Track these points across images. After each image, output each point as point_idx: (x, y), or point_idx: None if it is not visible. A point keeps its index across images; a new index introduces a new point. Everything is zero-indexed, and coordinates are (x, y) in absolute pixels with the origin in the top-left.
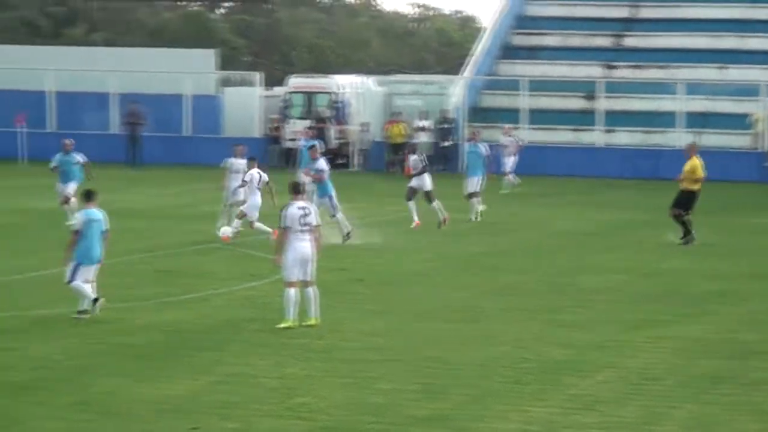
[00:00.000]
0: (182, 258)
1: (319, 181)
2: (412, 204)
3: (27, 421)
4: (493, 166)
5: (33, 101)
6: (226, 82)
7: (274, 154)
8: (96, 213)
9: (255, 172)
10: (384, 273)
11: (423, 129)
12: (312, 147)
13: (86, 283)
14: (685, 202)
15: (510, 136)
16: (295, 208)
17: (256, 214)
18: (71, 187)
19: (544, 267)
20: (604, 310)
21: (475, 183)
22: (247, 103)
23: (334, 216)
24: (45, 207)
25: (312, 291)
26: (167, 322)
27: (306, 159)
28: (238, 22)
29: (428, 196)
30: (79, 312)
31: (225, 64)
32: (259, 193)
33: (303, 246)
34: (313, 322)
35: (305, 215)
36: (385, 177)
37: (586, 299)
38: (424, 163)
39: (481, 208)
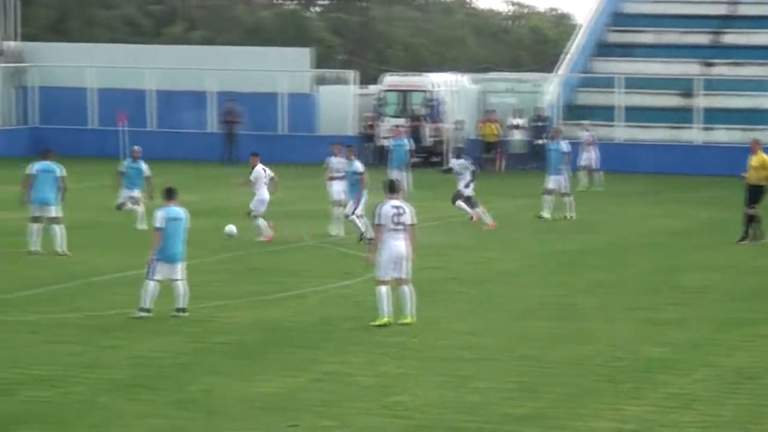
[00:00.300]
0: (276, 256)
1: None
2: (461, 203)
3: (130, 418)
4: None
5: (133, 100)
6: (321, 81)
7: (369, 152)
8: (178, 211)
9: (260, 168)
10: (477, 271)
11: (517, 127)
12: (349, 147)
13: (175, 284)
14: (754, 197)
15: (589, 132)
16: (389, 206)
17: (262, 209)
18: (135, 194)
19: (639, 265)
20: (700, 308)
21: (559, 182)
22: (341, 102)
23: (349, 216)
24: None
25: (408, 289)
26: (263, 320)
27: (399, 157)
28: (334, 21)
29: (459, 197)
30: (141, 309)
31: (320, 62)
32: (265, 189)
33: (397, 245)
34: (408, 320)
35: (399, 214)
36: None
37: (682, 297)
38: (473, 167)
39: (572, 213)
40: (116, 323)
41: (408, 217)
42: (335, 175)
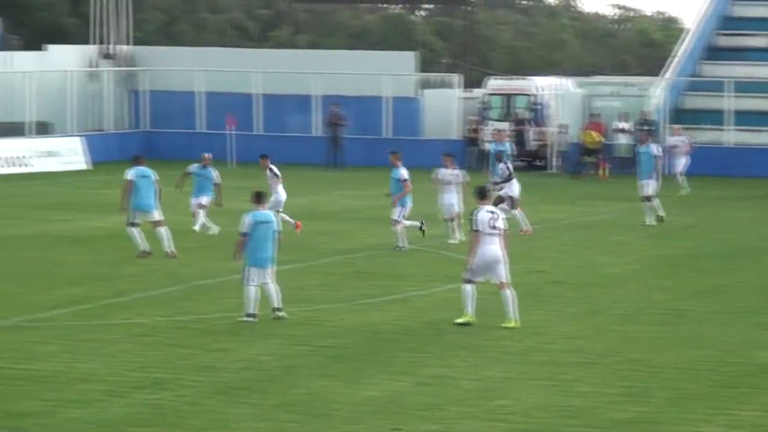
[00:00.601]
0: (381, 260)
1: (404, 190)
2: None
3: (238, 421)
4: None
5: (240, 103)
6: (425, 84)
7: (472, 156)
8: (265, 215)
9: (272, 168)
10: (583, 275)
11: (622, 131)
12: (394, 153)
13: (266, 286)
14: None
15: (680, 135)
16: (485, 212)
17: (279, 209)
18: (203, 200)
19: (750, 269)
20: None
21: (650, 186)
22: (445, 105)
23: (397, 222)
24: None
25: (509, 293)
26: (368, 323)
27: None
28: (438, 24)
29: (512, 203)
30: (247, 315)
31: (424, 66)
32: (281, 187)
33: (492, 249)
34: (512, 324)
35: (494, 219)
36: (582, 179)
37: None
38: (509, 171)
39: (662, 213)
40: (224, 326)
41: (502, 221)
42: (445, 186)
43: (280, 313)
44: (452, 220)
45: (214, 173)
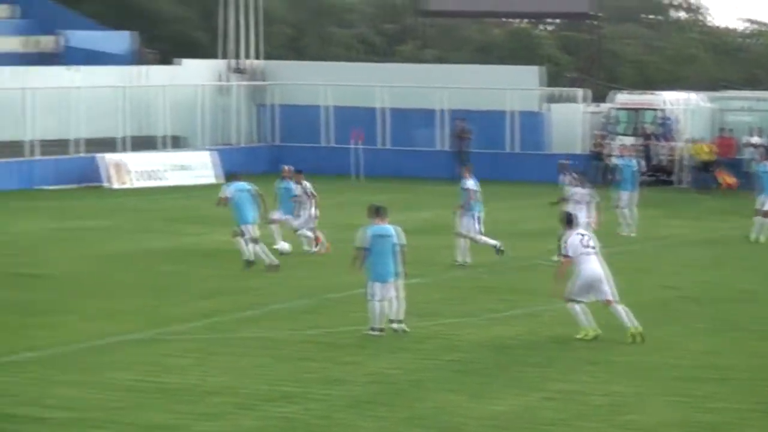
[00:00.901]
0: (507, 274)
1: (471, 201)
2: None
3: None
4: None
5: (366, 118)
6: (550, 99)
7: (597, 171)
8: (385, 228)
9: (306, 185)
10: (713, 290)
11: (754, 145)
12: (466, 166)
13: (389, 301)
14: None
15: None
16: (575, 235)
17: (311, 225)
18: (277, 215)
19: None
20: None
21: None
22: (571, 120)
23: (475, 238)
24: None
25: (619, 308)
26: (494, 337)
27: (626, 177)
28: (564, 39)
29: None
30: (372, 329)
31: (550, 80)
32: (313, 205)
33: (592, 267)
34: (634, 331)
35: (585, 239)
36: (710, 194)
37: None
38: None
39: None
40: (351, 340)
41: (594, 240)
42: (575, 204)
43: (397, 325)
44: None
45: (293, 185)
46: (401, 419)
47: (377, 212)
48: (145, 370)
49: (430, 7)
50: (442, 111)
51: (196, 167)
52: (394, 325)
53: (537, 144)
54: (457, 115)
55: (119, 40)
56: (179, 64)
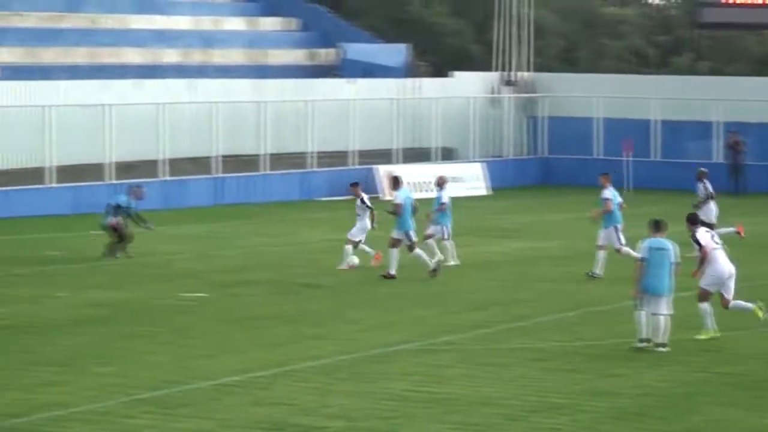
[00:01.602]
0: None
1: (607, 212)
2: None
3: None
4: None
5: (638, 129)
6: None
7: None
8: (661, 242)
9: (364, 198)
10: None
11: None
12: (605, 174)
13: (657, 317)
14: None
15: None
16: (703, 231)
17: (362, 237)
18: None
19: None
20: None
21: None
22: None
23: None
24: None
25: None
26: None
27: None
28: None
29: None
30: (640, 340)
31: None
32: (366, 217)
33: (725, 263)
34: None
35: (713, 235)
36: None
37: None
38: (708, 191)
39: None
40: (619, 352)
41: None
42: None
43: (661, 349)
44: None
45: (442, 193)
46: None
47: (656, 226)
48: (417, 380)
49: (710, 20)
50: (717, 123)
51: (468, 179)
52: (659, 349)
53: None
54: (732, 128)
55: (394, 52)
56: (452, 76)
